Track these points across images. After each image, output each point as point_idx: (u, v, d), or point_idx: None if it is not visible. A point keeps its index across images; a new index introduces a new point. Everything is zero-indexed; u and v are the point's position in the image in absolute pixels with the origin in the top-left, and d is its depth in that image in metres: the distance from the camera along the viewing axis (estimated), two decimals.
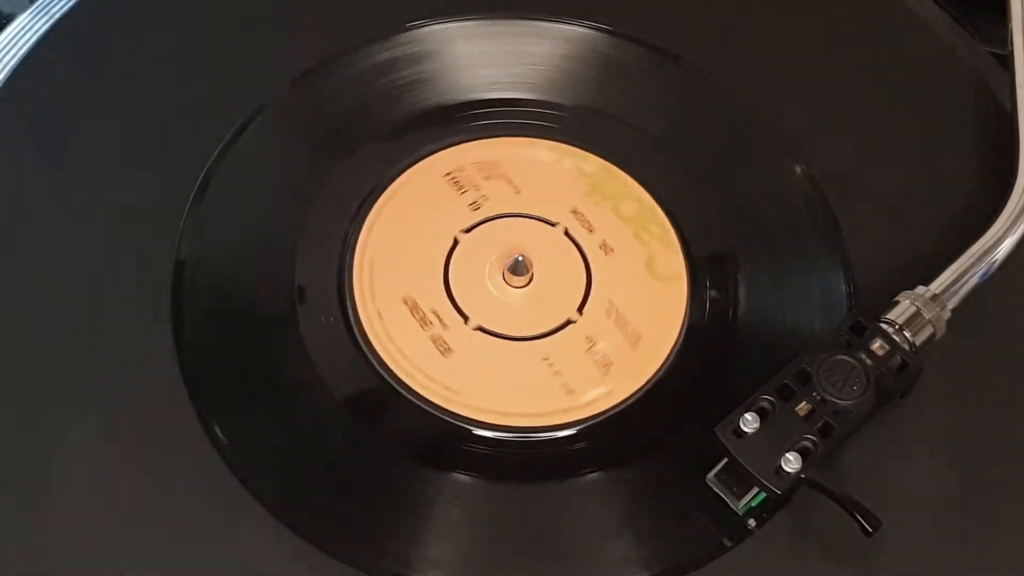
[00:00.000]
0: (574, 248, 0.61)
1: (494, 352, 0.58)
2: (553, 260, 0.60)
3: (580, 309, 0.59)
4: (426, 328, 0.57)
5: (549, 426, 0.56)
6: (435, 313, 0.58)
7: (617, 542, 0.53)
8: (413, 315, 0.58)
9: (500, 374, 0.57)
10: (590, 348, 0.58)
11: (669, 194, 0.62)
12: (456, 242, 0.60)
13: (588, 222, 0.61)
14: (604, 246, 0.61)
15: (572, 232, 0.61)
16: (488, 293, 0.59)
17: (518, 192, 0.62)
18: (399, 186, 0.62)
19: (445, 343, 0.57)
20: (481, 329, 0.58)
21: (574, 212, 0.61)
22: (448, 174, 0.62)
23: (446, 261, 0.60)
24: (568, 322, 0.59)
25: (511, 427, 0.55)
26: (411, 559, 0.52)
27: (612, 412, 0.56)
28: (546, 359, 0.58)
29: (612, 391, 0.57)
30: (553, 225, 0.61)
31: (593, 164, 0.63)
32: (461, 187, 0.62)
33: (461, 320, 0.58)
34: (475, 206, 0.61)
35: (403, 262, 0.60)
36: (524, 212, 0.61)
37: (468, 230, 0.60)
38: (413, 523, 0.53)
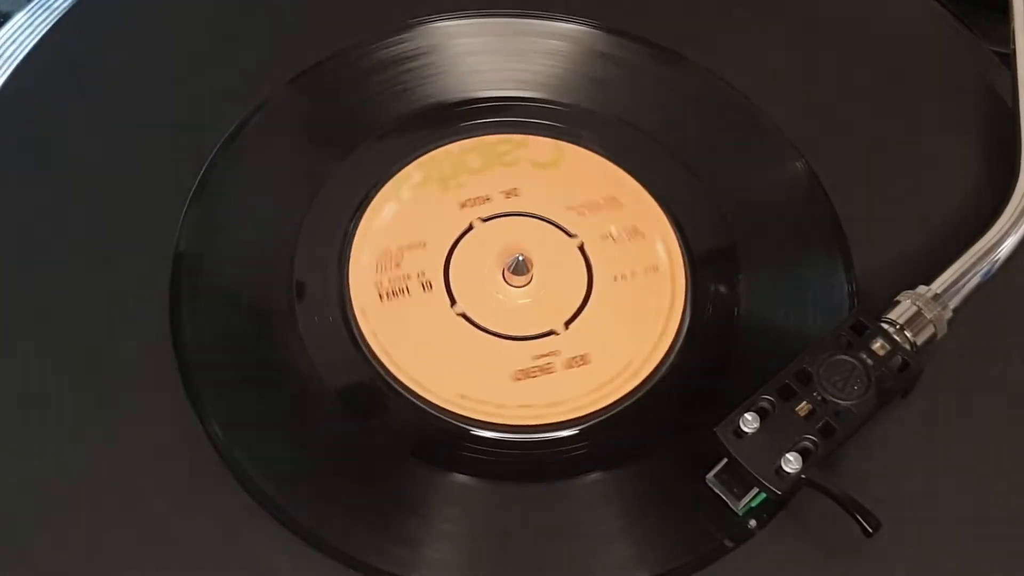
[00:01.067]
0: (501, 218, 0.61)
1: (595, 318, 0.58)
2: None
3: (569, 234, 0.60)
4: (553, 371, 0.57)
5: (549, 424, 0.55)
6: (541, 356, 0.57)
7: (617, 543, 0.53)
8: (533, 376, 0.57)
9: (619, 320, 0.58)
10: (613, 238, 0.59)
11: (669, 193, 0.62)
12: (464, 315, 0.59)
13: (476, 198, 0.61)
14: (507, 193, 0.61)
15: (484, 215, 0.61)
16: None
17: (424, 245, 0.60)
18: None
19: (576, 358, 0.57)
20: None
21: (463, 206, 0.61)
22: (382, 297, 0.59)
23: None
24: (581, 247, 0.60)
25: (511, 426, 0.55)
26: (409, 560, 0.51)
27: (613, 412, 0.56)
28: (615, 278, 0.59)
29: (663, 239, 0.59)
30: (471, 228, 0.61)
31: (412, 171, 0.62)
32: (403, 291, 0.59)
33: (555, 336, 0.58)
34: (427, 286, 0.59)
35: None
36: (448, 246, 0.60)
37: (453, 302, 0.59)
38: (412, 523, 0.52)
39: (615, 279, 0.59)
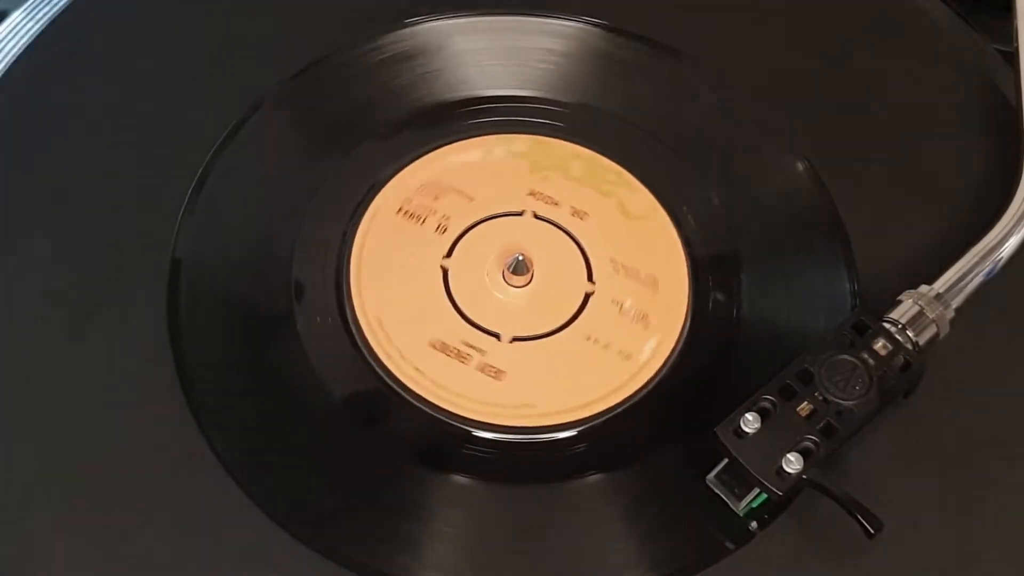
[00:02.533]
0: (550, 226, 0.61)
1: (539, 354, 0.57)
2: (540, 246, 0.59)
3: (590, 278, 0.59)
4: (466, 362, 0.57)
5: (549, 426, 0.55)
6: (468, 344, 0.57)
7: (618, 545, 0.53)
8: (447, 355, 0.57)
9: (555, 371, 0.57)
10: (621, 309, 0.58)
11: (670, 192, 0.62)
12: (445, 271, 0.59)
13: (548, 197, 0.61)
14: (576, 212, 0.61)
15: (541, 213, 0.61)
16: (500, 302, 0.59)
17: (472, 199, 0.61)
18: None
19: (492, 367, 0.57)
20: (517, 339, 0.58)
21: (532, 194, 0.61)
22: (400, 210, 0.60)
23: (448, 293, 0.59)
24: (587, 295, 0.59)
25: (511, 427, 0.55)
26: (410, 562, 0.51)
27: (614, 413, 0.56)
28: (589, 338, 0.58)
29: (661, 340, 0.57)
30: (520, 214, 0.61)
31: (522, 143, 0.63)
32: (419, 217, 0.60)
33: (494, 339, 0.58)
34: (441, 229, 0.60)
35: (405, 302, 0.59)
36: (487, 215, 0.61)
37: (448, 254, 0.59)
38: (412, 526, 0.52)
39: (587, 338, 0.58)
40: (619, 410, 0.56)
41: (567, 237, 0.60)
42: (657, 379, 0.57)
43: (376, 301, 0.58)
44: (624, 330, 0.58)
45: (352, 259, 0.59)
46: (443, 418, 0.55)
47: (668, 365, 0.57)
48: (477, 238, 0.60)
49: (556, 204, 0.61)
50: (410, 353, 0.56)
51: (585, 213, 0.61)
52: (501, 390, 0.56)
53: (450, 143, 0.63)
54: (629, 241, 0.60)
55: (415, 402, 0.55)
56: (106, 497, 0.51)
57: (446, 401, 0.55)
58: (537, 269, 0.58)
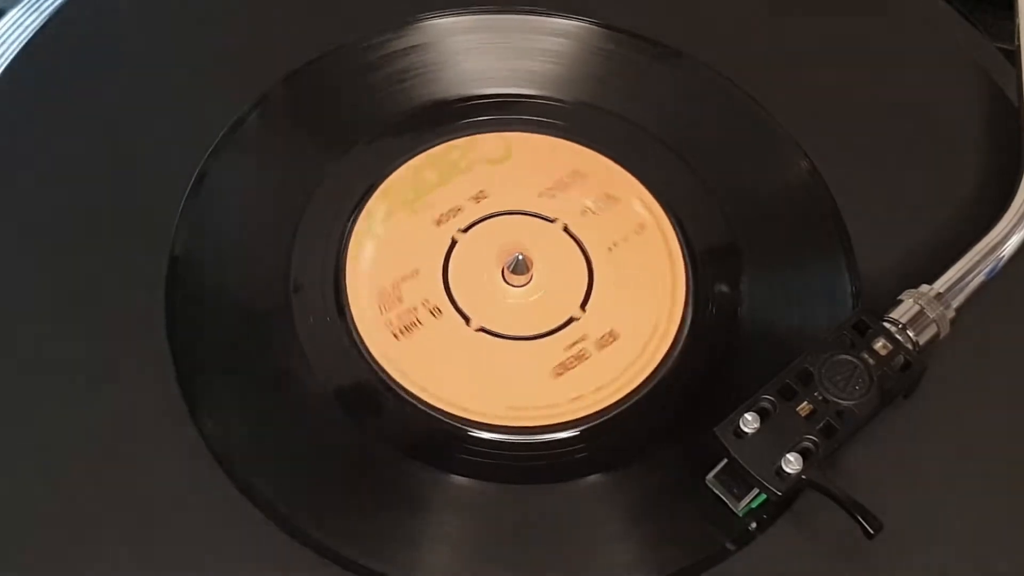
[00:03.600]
0: (573, 244, 0.60)
1: (496, 352, 0.57)
2: (553, 257, 0.59)
3: (583, 306, 0.59)
4: (419, 326, 0.57)
5: (548, 426, 0.55)
6: (438, 309, 0.58)
7: (617, 546, 0.52)
8: (418, 320, 0.57)
9: (501, 374, 0.57)
10: (590, 343, 0.57)
11: (671, 191, 0.62)
12: (455, 242, 0.60)
13: (594, 219, 0.61)
14: (611, 246, 0.60)
15: (572, 228, 0.61)
16: (489, 293, 0.59)
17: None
18: (395, 180, 0.62)
19: (443, 341, 0.57)
20: (483, 330, 0.58)
21: (583, 212, 0.61)
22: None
23: (445, 261, 0.59)
24: (571, 320, 0.58)
25: (510, 428, 0.55)
26: (408, 562, 0.51)
27: (613, 413, 0.55)
28: (550, 357, 0.57)
29: (604, 387, 0.56)
30: (551, 222, 0.61)
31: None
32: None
33: (463, 321, 0.58)
34: (478, 198, 0.61)
35: (401, 261, 0.59)
36: (524, 210, 0.61)
37: (466, 229, 0.60)
38: (410, 525, 0.52)
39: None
40: (619, 410, 0.56)
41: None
42: (657, 379, 0.56)
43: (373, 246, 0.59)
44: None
45: (350, 257, 0.59)
46: (441, 417, 0.55)
47: (668, 365, 0.57)
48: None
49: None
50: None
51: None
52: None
53: (441, 143, 0.63)
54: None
55: (413, 401, 0.55)
56: (102, 494, 0.51)
57: (444, 401, 0.55)
58: (537, 276, 0.59)
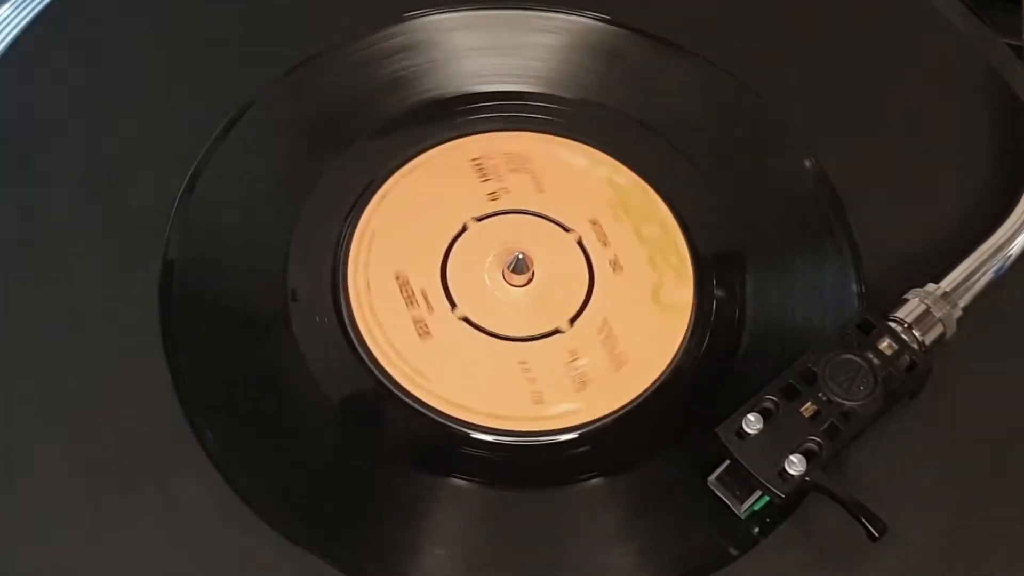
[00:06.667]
0: (583, 259, 0.60)
1: (472, 345, 0.57)
2: (558, 266, 0.59)
3: (572, 321, 0.58)
4: (411, 308, 0.57)
5: (549, 429, 0.55)
6: (423, 294, 0.57)
7: (619, 550, 0.52)
8: (402, 292, 0.57)
9: (472, 368, 0.56)
10: (571, 362, 0.57)
11: (673, 189, 0.62)
12: (464, 228, 0.59)
13: (605, 236, 0.60)
14: (614, 263, 0.59)
15: (585, 242, 0.60)
16: (483, 286, 0.58)
17: (541, 191, 0.61)
18: (418, 164, 0.61)
19: (426, 327, 0.57)
20: (466, 320, 0.57)
21: (593, 223, 0.60)
22: (475, 159, 0.62)
23: (449, 245, 0.59)
24: (556, 331, 0.58)
25: (510, 431, 0.54)
26: (408, 566, 0.51)
27: (615, 415, 0.55)
28: (523, 363, 0.56)
29: (581, 409, 0.55)
30: (567, 231, 0.60)
31: (626, 178, 0.62)
32: (484, 175, 0.61)
33: (448, 306, 0.57)
34: (494, 196, 0.60)
35: (404, 240, 0.59)
36: (542, 212, 0.61)
37: (480, 219, 0.60)
38: (410, 529, 0.52)
39: (521, 363, 0.57)
40: (622, 412, 0.55)
41: (587, 275, 0.59)
42: (661, 379, 0.56)
43: (372, 246, 0.58)
44: (556, 380, 0.56)
45: (350, 258, 0.58)
46: (442, 420, 0.54)
47: (672, 365, 0.56)
48: (513, 224, 0.60)
49: (606, 245, 0.60)
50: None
51: (621, 268, 0.60)
52: (419, 351, 0.56)
53: (473, 134, 0.63)
54: (636, 319, 0.58)
55: (413, 404, 0.55)
56: (98, 499, 0.51)
57: (444, 403, 0.55)
58: (536, 281, 0.58)
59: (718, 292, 0.59)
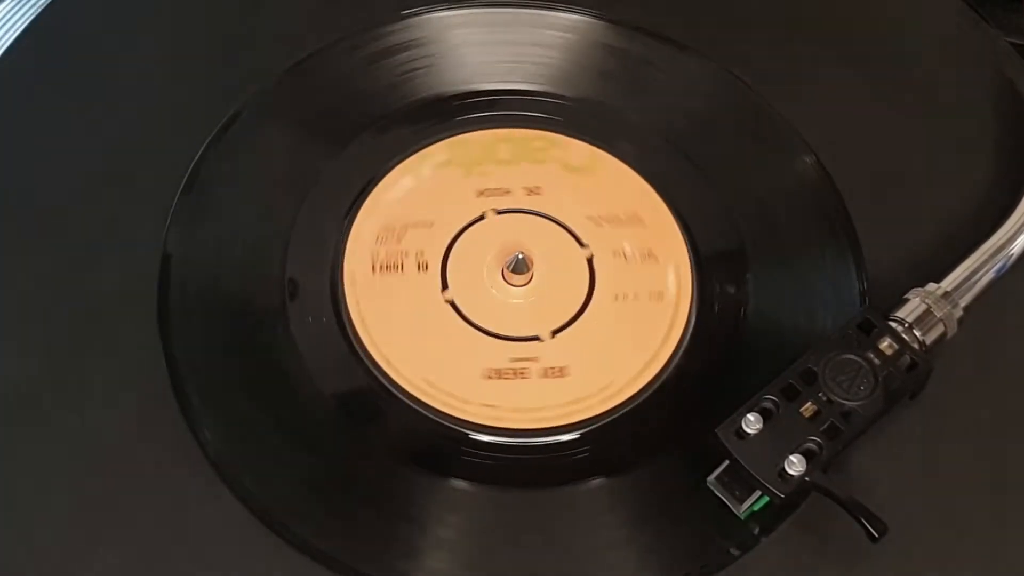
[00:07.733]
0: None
1: (583, 334, 0.57)
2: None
3: (581, 244, 0.59)
4: (527, 376, 0.56)
5: (549, 428, 0.54)
6: (518, 360, 0.57)
7: (620, 551, 0.52)
8: (505, 378, 0.56)
9: (605, 341, 0.57)
10: (625, 256, 0.58)
11: (675, 189, 0.61)
12: (483, 216, 0.59)
13: (497, 189, 0.61)
14: (530, 191, 0.60)
15: (499, 207, 0.60)
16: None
17: (431, 226, 0.60)
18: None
19: (553, 368, 0.56)
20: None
21: (481, 194, 0.60)
22: (374, 267, 0.59)
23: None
24: (589, 260, 0.58)
25: (510, 430, 0.54)
26: (408, 568, 0.51)
27: (615, 415, 0.55)
28: (616, 296, 0.58)
29: (678, 273, 0.58)
30: (482, 218, 0.60)
31: (440, 151, 0.62)
32: (396, 266, 0.59)
33: (440, 286, 0.58)
34: (423, 267, 0.59)
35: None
36: (455, 232, 0.60)
37: (445, 287, 0.58)
38: (409, 530, 0.52)
39: (615, 298, 0.58)
40: (622, 413, 0.55)
41: (536, 217, 0.60)
42: (661, 380, 0.56)
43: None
44: (640, 274, 0.58)
45: (347, 256, 0.58)
46: (442, 421, 0.54)
47: (672, 365, 0.56)
48: (460, 258, 0.59)
49: (508, 192, 0.60)
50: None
51: (538, 187, 0.60)
52: (570, 384, 0.55)
53: (466, 132, 0.63)
54: (590, 193, 0.60)
55: (412, 404, 0.55)
56: (95, 497, 0.51)
57: (441, 402, 0.55)
58: (534, 287, 0.58)
59: (719, 292, 0.59)
